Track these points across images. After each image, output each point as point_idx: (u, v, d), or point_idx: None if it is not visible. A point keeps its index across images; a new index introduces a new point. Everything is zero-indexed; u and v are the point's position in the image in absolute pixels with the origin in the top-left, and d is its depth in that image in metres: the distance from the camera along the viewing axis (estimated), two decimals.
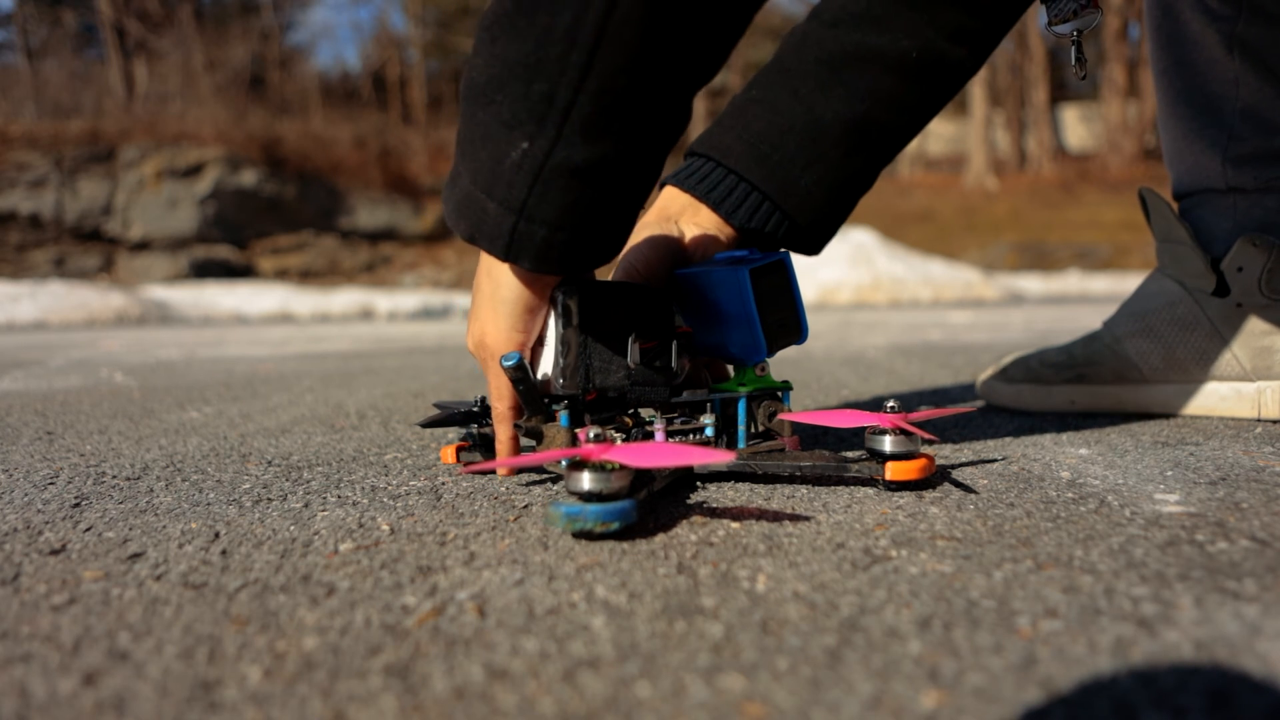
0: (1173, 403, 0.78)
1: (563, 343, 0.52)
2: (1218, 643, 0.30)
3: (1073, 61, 0.65)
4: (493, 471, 0.61)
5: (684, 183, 0.62)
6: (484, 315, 0.54)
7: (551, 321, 0.53)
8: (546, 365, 0.53)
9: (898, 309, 5.48)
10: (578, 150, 0.45)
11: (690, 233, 0.61)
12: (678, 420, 0.58)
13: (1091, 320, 2.91)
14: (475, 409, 0.61)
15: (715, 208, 0.61)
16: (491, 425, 0.61)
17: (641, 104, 0.46)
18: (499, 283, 0.53)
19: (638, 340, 0.54)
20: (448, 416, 0.60)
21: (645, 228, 0.62)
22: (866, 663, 0.29)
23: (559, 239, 0.48)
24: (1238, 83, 0.71)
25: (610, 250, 0.52)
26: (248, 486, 0.59)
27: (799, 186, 0.60)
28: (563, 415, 0.55)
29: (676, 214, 0.62)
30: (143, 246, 11.91)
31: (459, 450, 0.62)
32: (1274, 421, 0.73)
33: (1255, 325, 0.73)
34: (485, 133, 0.47)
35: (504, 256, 0.49)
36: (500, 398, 0.56)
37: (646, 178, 0.51)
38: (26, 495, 0.58)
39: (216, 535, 0.47)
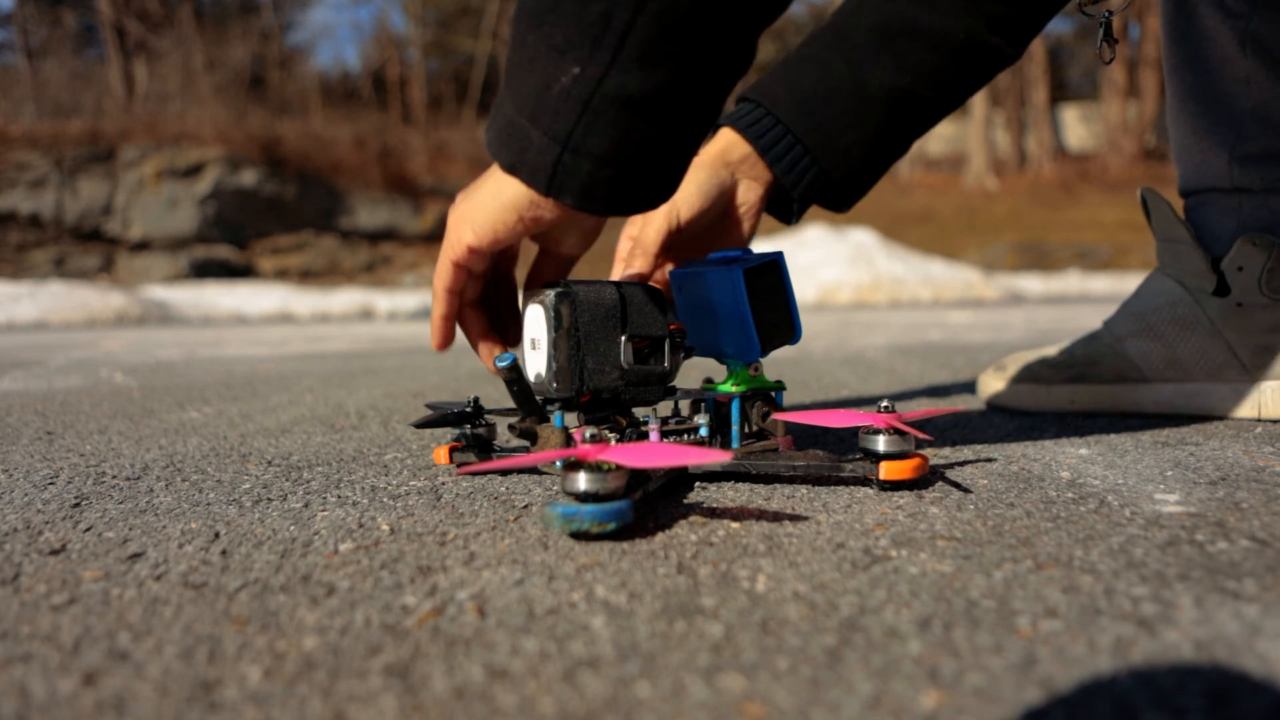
0: (1173, 402, 0.78)
1: (555, 345, 0.52)
2: (1218, 643, 0.30)
3: (1099, 42, 0.66)
4: (488, 473, 0.61)
5: (742, 127, 0.64)
6: (479, 198, 0.50)
7: (544, 323, 0.53)
8: (539, 367, 0.53)
9: (897, 309, 5.48)
10: (633, 78, 0.42)
11: (744, 185, 0.64)
12: (672, 420, 0.58)
13: (1091, 320, 2.91)
14: (468, 409, 0.61)
15: (763, 154, 0.64)
16: (485, 425, 0.61)
17: (705, 31, 0.43)
18: (505, 186, 0.48)
19: (630, 340, 0.54)
20: (440, 417, 0.60)
21: (700, 168, 0.63)
22: (866, 663, 0.29)
23: (605, 175, 0.45)
24: (1249, 81, 0.71)
25: (660, 193, 0.49)
26: (248, 486, 0.59)
27: (839, 144, 0.63)
28: (557, 416, 0.55)
29: (737, 162, 0.64)
30: (143, 246, 11.91)
31: (452, 450, 0.62)
32: (1274, 421, 0.73)
33: (1256, 324, 0.73)
34: (534, 56, 0.44)
35: (545, 191, 0.46)
36: (447, 255, 0.52)
37: (705, 116, 0.48)
38: (26, 495, 0.58)
39: (216, 535, 0.47)
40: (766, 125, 0.64)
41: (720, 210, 0.64)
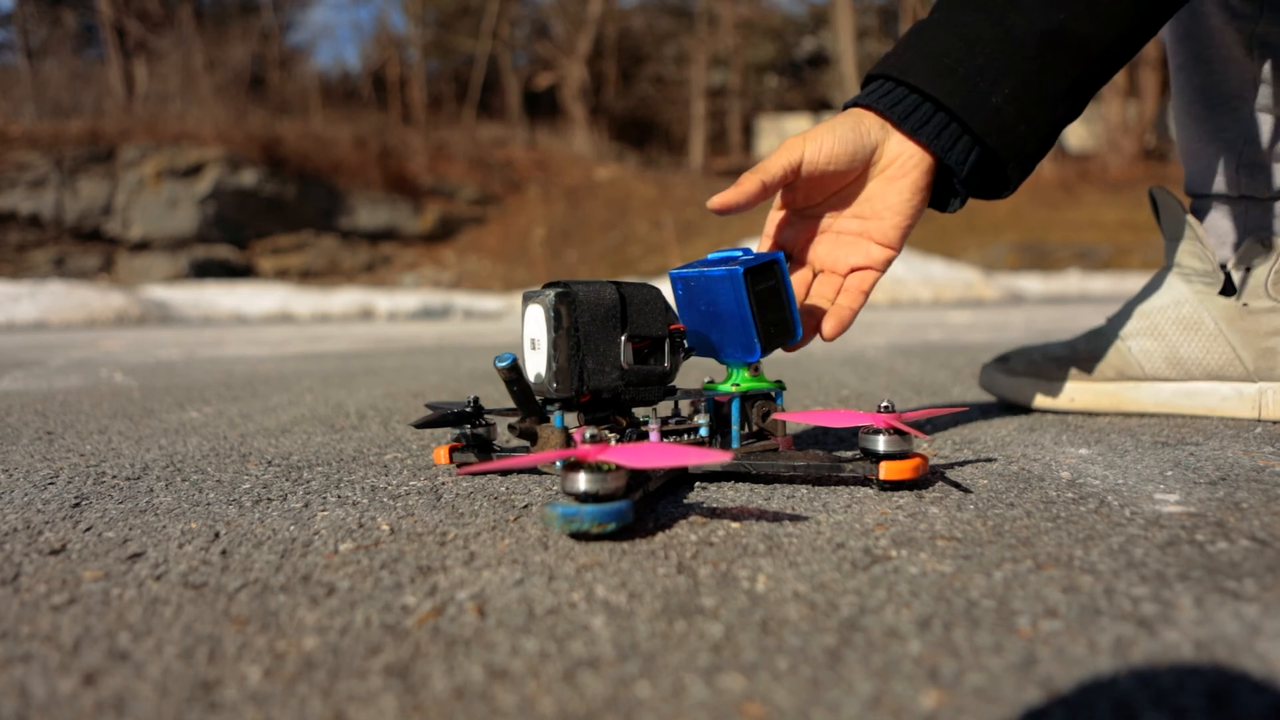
0: (1174, 402, 0.78)
1: (555, 345, 0.52)
2: (1218, 643, 0.30)
3: None
4: (488, 473, 0.61)
5: (870, 101, 0.58)
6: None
7: (544, 323, 0.53)
8: (539, 367, 0.53)
9: (898, 309, 5.48)
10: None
11: (897, 149, 0.57)
12: (672, 420, 0.58)
13: (1092, 320, 2.90)
14: (468, 409, 0.61)
15: (899, 124, 0.57)
16: (485, 425, 0.61)
17: None
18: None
19: (630, 340, 0.54)
20: (440, 417, 0.60)
21: (842, 120, 0.58)
22: (866, 663, 0.29)
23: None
24: (1256, 83, 0.70)
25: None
26: (248, 486, 0.59)
27: (988, 102, 0.55)
28: (557, 416, 0.55)
29: (869, 127, 0.58)
30: (143, 246, 11.91)
31: (452, 450, 0.62)
32: (1275, 422, 0.73)
33: (1260, 326, 0.73)
34: None
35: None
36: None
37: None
38: (26, 495, 0.58)
39: (216, 535, 0.47)
40: (897, 97, 0.57)
41: (857, 163, 0.58)
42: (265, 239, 12.54)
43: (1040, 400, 0.83)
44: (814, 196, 0.61)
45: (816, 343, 2.19)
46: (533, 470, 0.61)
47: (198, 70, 15.66)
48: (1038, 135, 0.57)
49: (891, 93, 0.57)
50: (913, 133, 0.56)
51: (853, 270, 0.61)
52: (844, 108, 0.60)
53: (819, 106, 20.18)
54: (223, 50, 16.56)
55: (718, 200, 0.57)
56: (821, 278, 0.62)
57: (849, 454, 0.55)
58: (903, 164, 0.57)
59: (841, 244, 0.61)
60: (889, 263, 0.61)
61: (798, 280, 0.62)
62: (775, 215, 0.63)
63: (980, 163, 0.58)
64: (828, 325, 0.60)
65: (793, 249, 0.63)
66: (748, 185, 0.57)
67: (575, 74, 18.26)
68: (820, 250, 0.62)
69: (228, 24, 18.09)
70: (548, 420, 0.53)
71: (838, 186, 0.60)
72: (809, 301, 0.62)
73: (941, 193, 0.61)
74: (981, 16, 0.56)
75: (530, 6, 20.84)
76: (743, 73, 20.14)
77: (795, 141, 0.57)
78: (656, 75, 20.44)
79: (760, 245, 0.64)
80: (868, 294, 0.61)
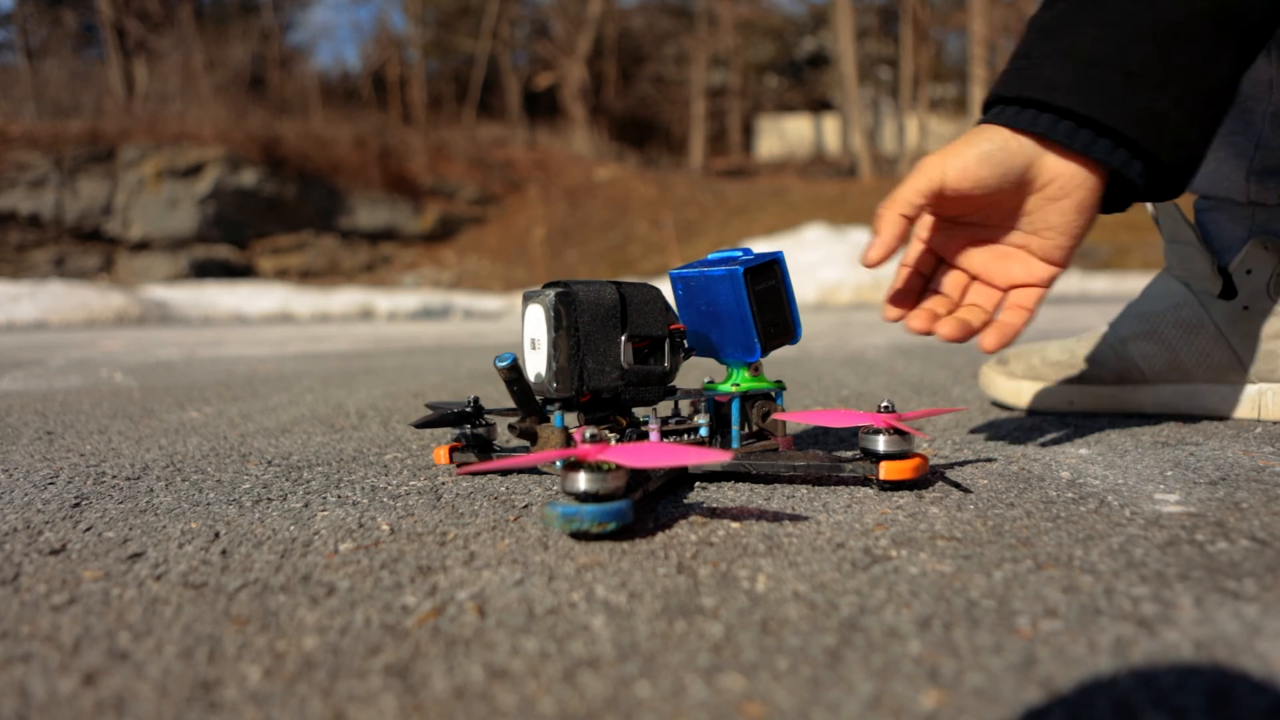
0: (1173, 403, 0.77)
1: (555, 345, 0.52)
2: (1218, 643, 0.30)
3: None
4: (488, 472, 0.61)
5: (1023, 125, 0.52)
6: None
7: (544, 323, 0.53)
8: (539, 367, 0.53)
9: None
10: None
11: (1043, 169, 0.52)
12: (672, 420, 0.58)
13: (1092, 320, 2.91)
14: (468, 409, 0.61)
15: (1066, 145, 0.51)
16: (485, 425, 0.61)
17: None
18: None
19: (630, 340, 0.54)
20: (440, 417, 0.60)
21: (985, 137, 0.52)
22: (866, 663, 0.29)
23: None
24: (1271, 86, 0.67)
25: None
26: (248, 486, 0.59)
27: (1155, 112, 0.49)
28: (557, 416, 0.55)
29: (1020, 145, 0.52)
30: (143, 246, 11.91)
31: (452, 450, 0.62)
32: (1275, 423, 0.73)
33: (1261, 329, 0.73)
34: None
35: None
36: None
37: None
38: (26, 495, 0.58)
39: (216, 535, 0.47)
40: (1050, 121, 0.51)
41: (1007, 184, 0.52)
42: (265, 239, 12.55)
43: (1039, 403, 0.83)
44: (964, 210, 0.56)
45: (816, 343, 2.19)
46: (533, 470, 0.61)
47: (198, 70, 15.66)
48: (1206, 133, 0.51)
49: (1041, 116, 0.51)
50: (1084, 150, 0.50)
51: (1014, 286, 0.57)
52: (981, 121, 0.55)
53: (819, 106, 20.18)
54: (223, 50, 16.56)
55: (872, 255, 0.54)
56: (977, 285, 0.58)
57: (849, 454, 0.55)
58: (1063, 184, 0.52)
59: (1002, 256, 0.57)
60: (1054, 279, 0.56)
61: (951, 284, 0.59)
62: (926, 219, 0.59)
63: (1150, 178, 0.52)
64: (990, 337, 0.55)
65: (944, 253, 0.59)
66: (890, 225, 0.53)
67: (575, 74, 18.26)
68: (978, 260, 0.58)
69: (228, 24, 18.09)
70: (548, 420, 0.53)
71: (988, 204, 0.55)
72: (962, 308, 0.58)
73: (1112, 198, 0.55)
74: (1126, 3, 0.50)
75: (530, 6, 20.86)
76: (743, 73, 20.15)
77: (934, 161, 0.53)
78: (656, 75, 20.44)
79: (910, 248, 0.60)
80: (1032, 311, 0.56)
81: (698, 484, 0.56)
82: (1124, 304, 0.83)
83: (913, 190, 0.53)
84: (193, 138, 12.49)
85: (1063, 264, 0.56)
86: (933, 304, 0.58)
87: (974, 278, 0.59)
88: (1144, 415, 0.79)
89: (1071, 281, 8.49)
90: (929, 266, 0.59)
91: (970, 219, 0.57)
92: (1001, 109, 0.53)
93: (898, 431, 0.52)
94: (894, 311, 0.58)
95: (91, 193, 11.84)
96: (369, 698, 0.28)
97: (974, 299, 0.58)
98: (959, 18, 17.33)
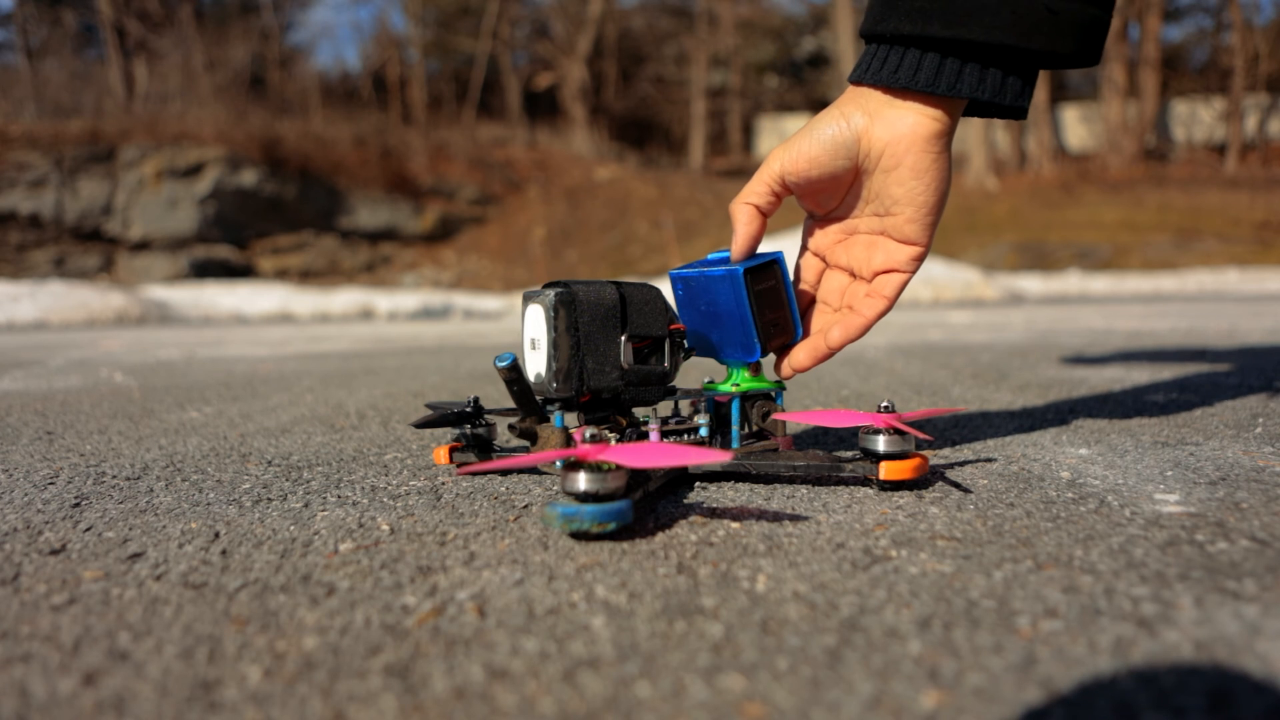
0: None
1: (555, 345, 0.52)
2: (1218, 643, 0.30)
3: None
4: (488, 473, 0.61)
5: (860, 76, 0.52)
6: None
7: (544, 323, 0.53)
8: (539, 367, 0.53)
9: (898, 309, 5.48)
10: None
11: (872, 140, 0.52)
12: (672, 420, 0.58)
13: (1092, 320, 2.91)
14: (468, 409, 0.61)
15: (889, 86, 0.50)
16: (485, 425, 0.61)
17: None
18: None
19: (630, 340, 0.54)
20: (440, 417, 0.60)
21: (814, 125, 0.53)
22: (866, 663, 0.29)
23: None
24: None
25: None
26: (248, 486, 0.59)
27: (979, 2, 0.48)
28: (557, 416, 0.55)
29: (851, 114, 0.52)
30: (143, 246, 11.91)
31: (452, 450, 0.62)
32: (1275, 423, 0.73)
33: None
34: None
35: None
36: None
37: None
38: (26, 495, 0.58)
39: (216, 535, 0.47)
40: (883, 54, 0.51)
41: (842, 159, 0.52)
42: (265, 239, 12.54)
43: None
44: (826, 201, 0.56)
45: None
46: (533, 470, 0.61)
47: (198, 70, 15.66)
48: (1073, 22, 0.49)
49: (876, 55, 0.51)
50: (907, 86, 0.49)
51: (878, 274, 0.56)
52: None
53: (819, 107, 20.17)
54: (223, 50, 16.56)
55: (735, 254, 0.56)
56: (854, 284, 0.58)
57: (849, 454, 0.55)
58: (892, 151, 0.51)
59: (865, 246, 0.57)
60: (917, 260, 0.55)
61: (831, 286, 0.59)
62: (807, 222, 0.60)
63: (1004, 65, 0.50)
64: (833, 334, 0.56)
65: (826, 255, 0.59)
66: (740, 215, 0.55)
67: (575, 74, 18.25)
68: (846, 254, 0.58)
69: (228, 24, 18.09)
70: (548, 420, 0.53)
71: (843, 187, 0.55)
72: (840, 309, 0.58)
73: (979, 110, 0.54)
74: None
75: (530, 6, 20.83)
76: (743, 73, 20.13)
77: (775, 151, 0.54)
78: (656, 75, 20.43)
79: (799, 253, 0.61)
80: (891, 299, 0.55)
81: (698, 484, 0.56)
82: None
83: (758, 183, 0.55)
84: (193, 138, 12.48)
85: (921, 241, 0.54)
86: (818, 323, 0.59)
87: (852, 275, 0.59)
88: (1144, 415, 0.79)
89: (1071, 281, 8.49)
90: (816, 274, 0.60)
91: (838, 211, 0.57)
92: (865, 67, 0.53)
93: (898, 431, 0.52)
94: (788, 370, 0.59)
95: (91, 193, 11.84)
96: (369, 698, 0.28)
97: (851, 296, 0.58)
98: None
